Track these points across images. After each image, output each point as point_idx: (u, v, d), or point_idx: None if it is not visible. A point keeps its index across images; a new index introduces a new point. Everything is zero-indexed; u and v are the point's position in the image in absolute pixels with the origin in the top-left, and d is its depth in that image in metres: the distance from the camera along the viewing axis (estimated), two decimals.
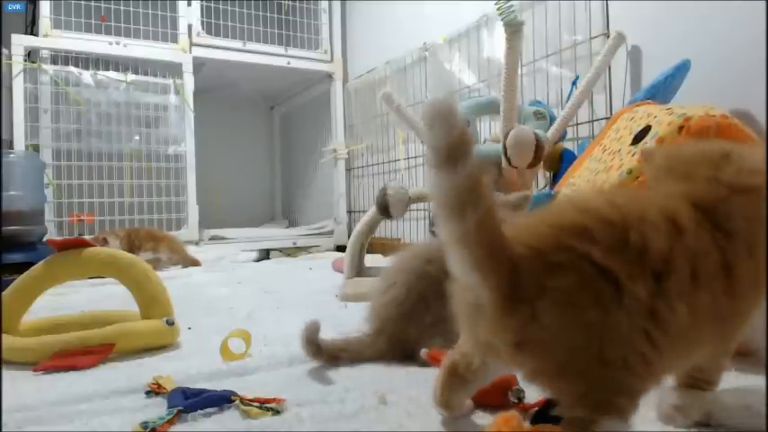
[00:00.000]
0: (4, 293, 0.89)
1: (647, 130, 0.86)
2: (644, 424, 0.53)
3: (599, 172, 0.92)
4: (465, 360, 0.52)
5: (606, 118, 1.58)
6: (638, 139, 0.87)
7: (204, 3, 2.67)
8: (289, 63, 2.86)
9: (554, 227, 0.44)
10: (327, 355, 0.77)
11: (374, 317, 0.81)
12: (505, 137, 1.34)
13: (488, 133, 1.77)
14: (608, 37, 1.54)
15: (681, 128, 0.79)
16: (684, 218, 0.45)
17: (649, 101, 1.09)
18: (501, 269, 0.42)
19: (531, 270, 0.42)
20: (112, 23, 2.52)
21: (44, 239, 1.87)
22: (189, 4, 2.63)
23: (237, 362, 0.80)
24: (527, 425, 0.53)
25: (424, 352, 0.67)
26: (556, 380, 0.44)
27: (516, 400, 0.56)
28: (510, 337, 0.43)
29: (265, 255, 2.69)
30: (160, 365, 0.80)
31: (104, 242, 2.04)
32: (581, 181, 0.97)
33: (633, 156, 0.84)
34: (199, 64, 2.66)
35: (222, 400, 0.62)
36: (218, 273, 2.06)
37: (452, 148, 0.41)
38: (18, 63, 2.24)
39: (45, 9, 2.35)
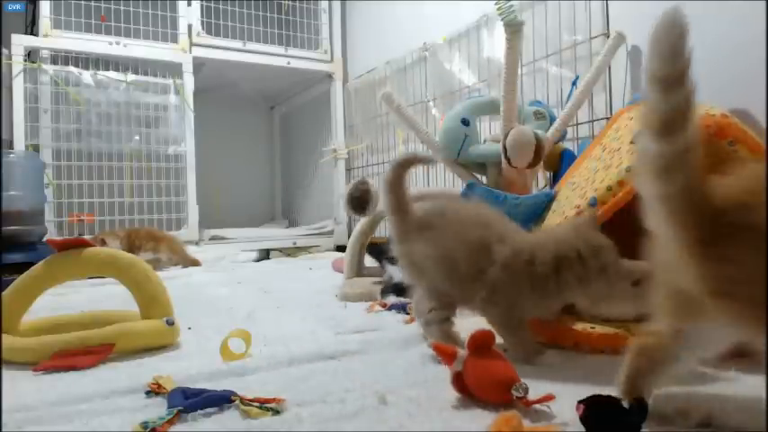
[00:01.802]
0: (4, 293, 0.89)
1: None
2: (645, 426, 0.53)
3: (598, 170, 0.92)
4: (656, 340, 0.52)
5: (606, 118, 1.58)
6: None
7: (204, 3, 2.67)
8: (289, 63, 2.86)
9: None
10: None
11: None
12: (505, 137, 1.34)
13: (488, 133, 1.77)
14: (608, 37, 1.54)
15: None
16: None
17: None
18: (700, 219, 0.44)
19: (741, 217, 0.43)
20: (112, 23, 2.52)
21: (44, 239, 1.87)
22: (189, 4, 2.63)
23: (237, 362, 0.80)
24: (528, 423, 0.53)
25: (430, 343, 0.67)
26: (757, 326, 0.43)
27: (521, 395, 0.56)
28: (710, 284, 0.44)
29: (265, 255, 2.69)
30: (160, 365, 0.80)
31: (102, 243, 2.04)
32: (581, 180, 0.97)
33: (633, 154, 0.84)
34: (199, 64, 2.66)
35: (222, 400, 0.62)
36: (218, 273, 2.06)
37: (671, 117, 0.44)
38: (18, 63, 2.24)
39: (45, 9, 2.36)
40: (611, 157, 0.92)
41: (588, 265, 0.70)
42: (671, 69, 0.45)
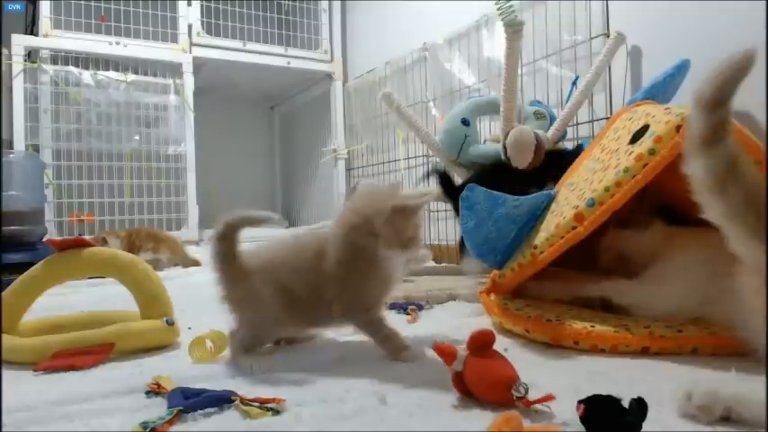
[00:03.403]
0: (4, 293, 0.89)
1: (645, 129, 0.86)
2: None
3: (596, 171, 0.92)
4: None
5: (606, 118, 1.58)
6: (635, 138, 0.87)
7: (204, 3, 2.67)
8: (289, 63, 2.86)
9: None
10: None
11: None
12: (505, 137, 1.34)
13: (488, 133, 1.77)
14: (608, 37, 1.54)
15: (678, 127, 0.79)
16: None
17: (649, 101, 1.09)
18: None
19: None
20: (112, 23, 2.52)
21: (44, 239, 1.87)
22: (189, 4, 2.63)
23: (237, 362, 0.80)
24: (528, 423, 0.53)
25: (433, 343, 0.67)
26: None
27: (521, 395, 0.56)
28: None
29: None
30: (160, 365, 0.80)
31: (104, 242, 2.04)
32: (580, 180, 0.97)
33: (630, 155, 0.84)
34: (199, 64, 2.66)
35: (222, 400, 0.62)
36: None
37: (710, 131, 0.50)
38: (18, 63, 2.24)
39: (45, 9, 2.36)
40: (610, 158, 0.91)
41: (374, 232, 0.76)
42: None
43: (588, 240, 0.88)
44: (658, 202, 0.99)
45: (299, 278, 0.80)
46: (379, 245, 0.76)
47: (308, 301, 0.80)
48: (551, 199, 1.01)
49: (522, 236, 0.98)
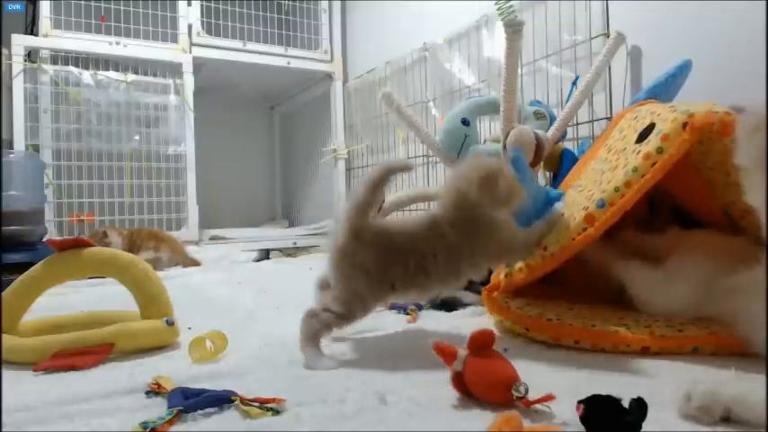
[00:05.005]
0: (4, 293, 0.89)
1: (651, 127, 0.86)
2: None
3: (605, 172, 0.92)
4: None
5: (606, 118, 1.58)
6: (642, 137, 0.87)
7: (204, 3, 2.67)
8: (289, 63, 2.86)
9: None
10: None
11: None
12: (505, 137, 1.34)
13: (488, 133, 1.77)
14: (608, 37, 1.54)
15: (685, 124, 0.79)
16: None
17: (651, 100, 1.08)
18: None
19: None
20: (112, 23, 2.52)
21: (44, 239, 1.87)
22: (189, 4, 2.63)
23: (238, 362, 0.80)
24: (528, 423, 0.53)
25: (432, 342, 0.66)
26: None
27: (521, 395, 0.56)
28: None
29: (265, 255, 2.69)
30: (160, 365, 0.80)
31: (104, 236, 2.05)
32: (588, 182, 0.97)
33: (638, 154, 0.84)
34: (199, 64, 2.66)
35: (222, 400, 0.62)
36: (217, 273, 2.06)
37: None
38: (18, 63, 2.24)
39: (45, 9, 2.35)
40: (617, 158, 0.91)
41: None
42: None
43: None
44: (670, 205, 1.00)
45: (413, 243, 0.83)
46: (488, 209, 0.82)
47: (421, 267, 0.82)
48: (560, 198, 1.01)
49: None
